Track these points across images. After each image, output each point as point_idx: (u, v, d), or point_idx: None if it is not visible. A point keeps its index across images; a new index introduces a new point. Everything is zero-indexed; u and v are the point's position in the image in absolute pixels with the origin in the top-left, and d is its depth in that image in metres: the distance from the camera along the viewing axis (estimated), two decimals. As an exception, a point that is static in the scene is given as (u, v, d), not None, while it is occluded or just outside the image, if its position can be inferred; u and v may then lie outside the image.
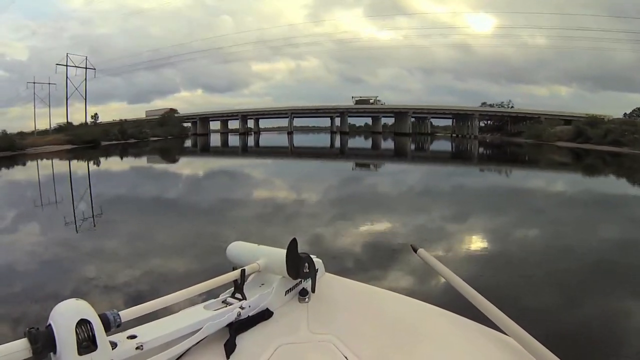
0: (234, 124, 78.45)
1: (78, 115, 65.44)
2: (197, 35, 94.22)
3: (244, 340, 1.20)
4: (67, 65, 55.05)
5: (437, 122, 74.93)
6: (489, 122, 68.95)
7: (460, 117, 65.26)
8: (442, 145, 53.00)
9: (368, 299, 1.46)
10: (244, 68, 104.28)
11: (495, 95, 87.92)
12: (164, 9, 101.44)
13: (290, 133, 72.10)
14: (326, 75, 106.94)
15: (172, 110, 75.85)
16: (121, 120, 70.32)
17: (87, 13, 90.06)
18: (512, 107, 65.80)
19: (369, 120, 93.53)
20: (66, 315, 0.90)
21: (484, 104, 68.84)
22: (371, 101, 70.07)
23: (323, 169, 24.23)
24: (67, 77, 55.10)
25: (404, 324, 1.30)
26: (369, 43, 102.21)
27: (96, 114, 68.49)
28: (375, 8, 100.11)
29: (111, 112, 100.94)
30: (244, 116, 75.47)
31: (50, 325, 0.89)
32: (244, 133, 74.76)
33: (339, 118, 74.29)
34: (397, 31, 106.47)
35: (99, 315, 0.94)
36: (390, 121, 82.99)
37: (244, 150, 44.07)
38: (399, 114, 68.77)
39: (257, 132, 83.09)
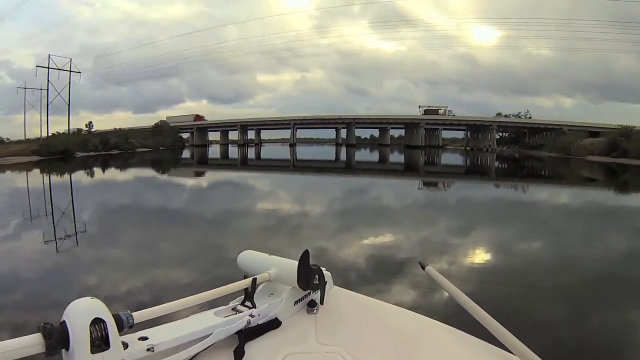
0: (235, 135, 75.05)
1: (81, 123, 64.19)
2: (203, 46, 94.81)
3: (253, 348, 1.21)
4: (48, 68, 51.32)
5: (445, 134, 71.50)
6: (504, 134, 64.83)
7: (477, 128, 60.92)
8: (460, 159, 48.22)
9: (376, 312, 1.46)
10: (249, 79, 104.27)
11: (501, 107, 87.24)
12: (170, 19, 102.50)
13: (292, 145, 67.76)
14: (331, 87, 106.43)
15: (199, 117, 72.56)
16: (116, 129, 67.22)
17: (94, 22, 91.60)
18: (529, 117, 61.79)
19: (375, 132, 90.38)
20: (81, 313, 0.91)
21: (498, 114, 64.96)
22: (440, 111, 63.97)
23: (328, 185, 19.64)
24: (47, 80, 51.47)
25: (410, 339, 1.30)
26: (374, 54, 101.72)
27: (90, 122, 66.21)
28: (380, 19, 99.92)
29: (116, 121, 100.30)
30: (243, 126, 71.38)
31: (64, 321, 0.90)
32: (243, 144, 70.66)
33: (345, 129, 70.04)
34: (402, 43, 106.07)
35: (113, 315, 0.96)
36: (396, 133, 79.65)
37: (243, 164, 39.73)
38: (410, 124, 64.17)
39: (259, 143, 79.16)
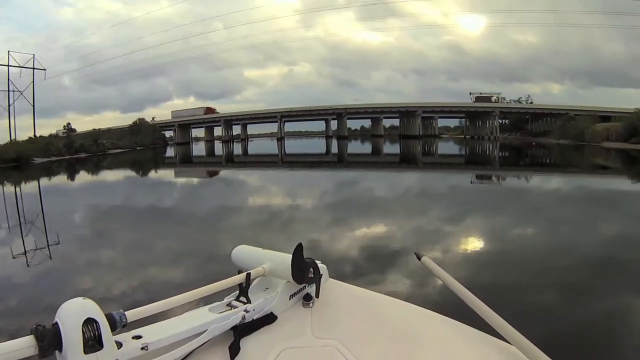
0: (221, 131, 70.90)
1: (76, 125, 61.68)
2: (189, 43, 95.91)
3: (248, 344, 1.21)
4: (8, 66, 46.57)
5: (439, 122, 68.07)
6: (504, 121, 61.38)
7: (477, 115, 57.09)
8: (464, 149, 44.27)
9: (371, 305, 1.45)
10: (236, 75, 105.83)
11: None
12: (155, 17, 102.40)
13: (280, 139, 63.28)
14: (319, 79, 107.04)
15: (210, 110, 68.09)
16: (94, 129, 64.54)
17: (79, 23, 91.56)
18: (530, 102, 58.47)
19: (365, 124, 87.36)
20: (73, 313, 0.90)
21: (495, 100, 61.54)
22: (493, 99, 57.72)
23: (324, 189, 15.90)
24: (8, 80, 46.72)
25: (407, 330, 1.30)
26: (362, 46, 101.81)
27: (69, 123, 63.88)
28: (366, 11, 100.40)
29: (104, 121, 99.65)
30: (227, 121, 66.89)
31: (56, 323, 0.89)
32: (228, 140, 66.40)
33: (335, 121, 66.08)
34: (389, 33, 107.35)
35: (106, 315, 0.95)
36: (388, 123, 76.09)
37: (229, 161, 36.04)
38: (406, 113, 59.79)
39: (245, 138, 75.08)
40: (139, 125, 59.03)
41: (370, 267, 5.62)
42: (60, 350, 0.87)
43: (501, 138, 53.35)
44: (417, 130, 56.81)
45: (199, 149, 59.01)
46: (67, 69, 77.89)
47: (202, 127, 74.15)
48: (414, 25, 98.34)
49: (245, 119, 68.40)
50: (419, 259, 1.56)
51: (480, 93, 57.78)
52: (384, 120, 70.33)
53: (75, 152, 38.81)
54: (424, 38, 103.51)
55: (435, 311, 1.35)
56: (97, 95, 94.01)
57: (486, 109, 54.50)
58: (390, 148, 46.23)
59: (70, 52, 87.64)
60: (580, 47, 76.06)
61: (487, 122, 55.60)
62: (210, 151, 52.93)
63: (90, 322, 0.89)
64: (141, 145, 52.66)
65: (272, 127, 69.30)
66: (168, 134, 68.73)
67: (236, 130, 74.03)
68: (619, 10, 57.76)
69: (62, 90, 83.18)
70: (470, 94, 58.83)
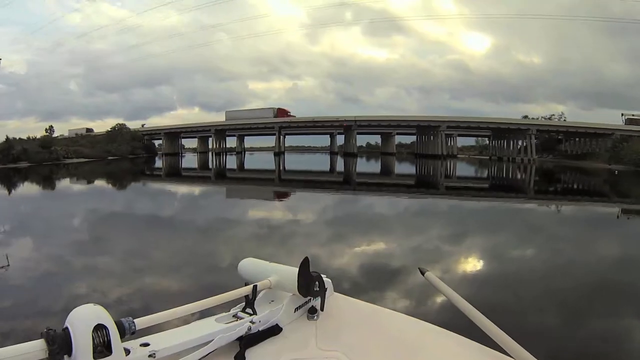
0: (212, 142, 63.73)
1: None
2: (194, 54, 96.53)
3: (254, 354, 1.22)
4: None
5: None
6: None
7: (511, 132, 49.28)
8: (522, 176, 36.44)
9: (375, 318, 1.47)
10: (241, 86, 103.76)
11: (493, 114, 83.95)
12: (161, 26, 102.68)
13: (278, 154, 55.31)
14: (323, 94, 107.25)
15: (283, 112, 58.17)
16: (77, 134, 59.24)
17: (85, 29, 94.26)
18: (564, 120, 51.23)
19: (372, 140, 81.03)
20: (84, 319, 0.92)
21: (525, 117, 54.40)
22: None
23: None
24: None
25: (410, 344, 1.31)
26: (367, 62, 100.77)
27: (51, 126, 59.13)
28: (372, 27, 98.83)
29: (109, 128, 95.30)
30: (219, 131, 59.27)
31: (67, 328, 0.91)
32: (219, 153, 59.02)
33: (342, 135, 58.22)
34: (395, 50, 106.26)
35: (115, 322, 0.96)
36: (397, 140, 69.13)
37: (221, 176, 29.84)
38: (426, 128, 51.58)
39: (241, 152, 68.01)
40: (117, 132, 51.76)
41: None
42: (70, 354, 0.88)
43: (538, 161, 45.49)
44: (438, 149, 48.86)
45: (190, 160, 51.43)
46: (72, 74, 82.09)
47: (194, 137, 67.14)
48: (420, 44, 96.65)
49: (239, 129, 60.60)
50: (423, 274, 1.54)
51: (633, 115, 46.32)
52: (398, 136, 63.64)
53: (14, 160, 31.42)
54: (429, 56, 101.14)
55: (439, 325, 1.34)
56: (102, 101, 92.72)
57: (520, 126, 46.68)
58: (409, 169, 38.69)
59: (76, 57, 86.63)
60: (583, 68, 76.06)
61: (519, 141, 47.92)
62: (204, 164, 45.39)
63: (100, 328, 0.90)
64: (116, 155, 45.27)
65: (272, 141, 61.88)
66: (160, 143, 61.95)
67: (232, 142, 67.50)
68: (623, 34, 57.11)
69: (67, 94, 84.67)
70: (622, 114, 47.39)
